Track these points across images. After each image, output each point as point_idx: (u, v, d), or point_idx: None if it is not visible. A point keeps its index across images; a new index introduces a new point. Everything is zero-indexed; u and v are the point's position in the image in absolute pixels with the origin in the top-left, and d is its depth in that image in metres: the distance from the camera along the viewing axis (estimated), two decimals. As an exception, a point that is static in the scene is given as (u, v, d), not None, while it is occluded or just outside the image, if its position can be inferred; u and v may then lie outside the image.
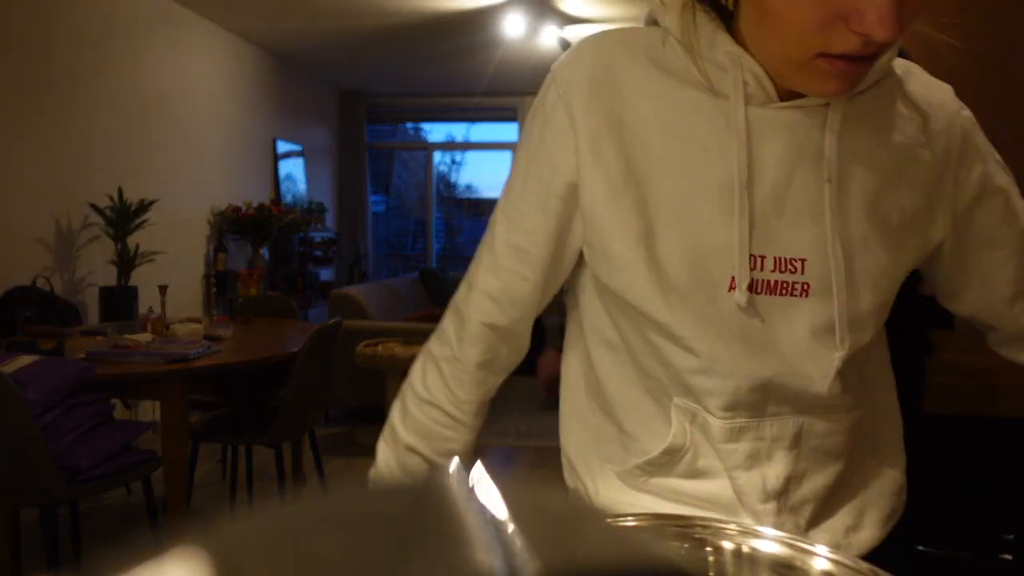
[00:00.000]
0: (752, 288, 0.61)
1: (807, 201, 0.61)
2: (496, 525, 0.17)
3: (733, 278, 0.61)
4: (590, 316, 0.72)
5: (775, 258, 0.61)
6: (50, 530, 2.07)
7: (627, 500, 0.70)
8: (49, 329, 2.43)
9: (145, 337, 2.46)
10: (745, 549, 0.46)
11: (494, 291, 0.70)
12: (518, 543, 0.17)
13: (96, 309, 3.70)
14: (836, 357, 0.62)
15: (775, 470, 0.65)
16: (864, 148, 0.62)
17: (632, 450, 0.70)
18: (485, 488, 0.20)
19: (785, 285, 0.62)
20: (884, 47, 0.53)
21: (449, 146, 8.31)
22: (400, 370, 3.91)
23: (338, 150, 7.14)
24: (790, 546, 0.45)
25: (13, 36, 3.30)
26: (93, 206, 3.69)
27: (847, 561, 0.43)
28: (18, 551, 2.23)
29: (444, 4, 4.46)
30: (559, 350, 1.59)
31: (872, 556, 0.70)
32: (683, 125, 0.62)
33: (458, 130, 8.19)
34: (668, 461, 0.67)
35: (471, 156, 8.62)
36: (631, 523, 0.48)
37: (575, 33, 4.93)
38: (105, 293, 3.64)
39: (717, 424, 0.64)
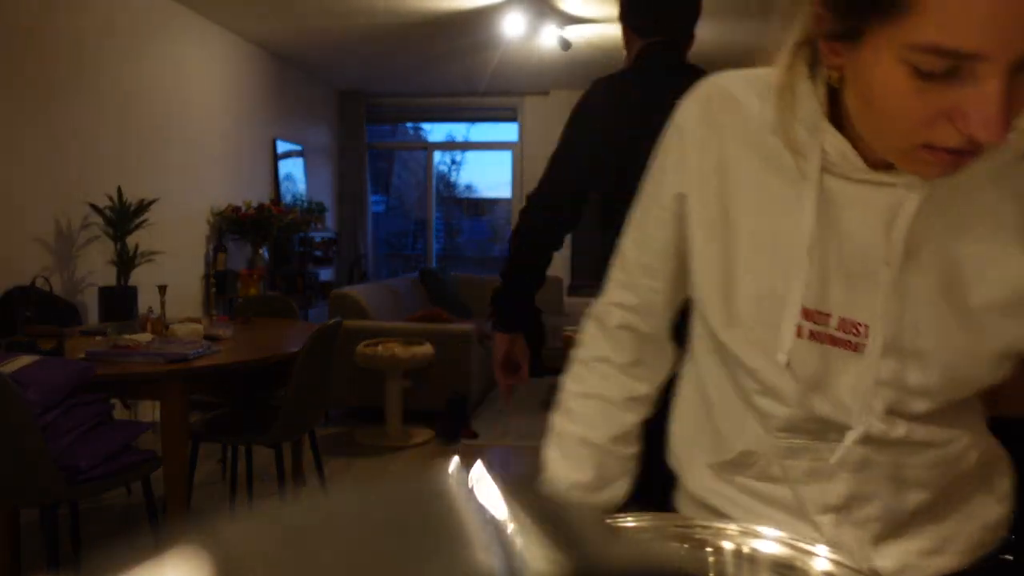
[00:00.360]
0: (816, 337, 0.65)
1: (876, 273, 0.62)
2: (496, 525, 0.17)
3: (799, 327, 0.64)
4: (697, 321, 0.79)
5: (840, 318, 0.64)
6: (50, 530, 2.07)
7: (713, 488, 0.76)
8: (49, 329, 2.43)
9: (145, 337, 2.46)
10: (745, 550, 0.46)
11: (631, 304, 0.79)
12: (518, 543, 0.17)
13: (96, 309, 3.70)
14: (848, 435, 0.63)
15: (836, 488, 0.68)
16: (960, 227, 0.61)
17: (719, 447, 0.75)
18: (485, 488, 0.20)
19: (847, 342, 0.64)
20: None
21: (449, 146, 8.31)
22: (400, 370, 3.91)
23: (338, 150, 7.14)
24: (790, 546, 0.45)
25: (12, 35, 3.30)
26: (92, 206, 3.69)
27: (847, 562, 0.43)
28: (18, 551, 2.23)
29: (444, 4, 4.46)
30: (507, 332, 1.64)
31: None
32: (772, 179, 0.65)
33: (458, 130, 8.19)
34: (745, 462, 0.72)
35: (471, 156, 8.62)
36: (631, 523, 0.48)
37: (575, 33, 4.93)
38: (105, 293, 3.64)
39: (778, 441, 0.69)
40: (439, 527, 0.17)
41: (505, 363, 1.67)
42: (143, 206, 3.83)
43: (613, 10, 5.13)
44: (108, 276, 3.83)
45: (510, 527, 0.17)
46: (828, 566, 0.43)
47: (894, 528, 0.69)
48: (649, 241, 0.76)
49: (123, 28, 4.01)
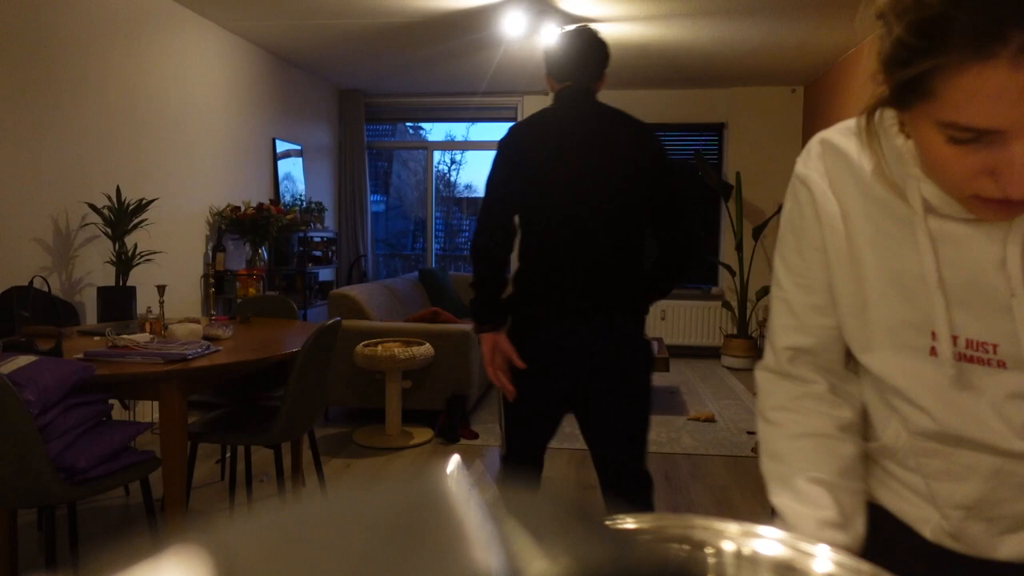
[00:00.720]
0: (953, 356, 0.70)
1: (996, 300, 0.66)
2: (496, 525, 0.17)
3: (933, 347, 0.70)
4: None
5: (967, 340, 0.69)
6: (48, 530, 2.07)
7: (876, 472, 0.83)
8: (47, 329, 2.43)
9: (144, 337, 2.46)
10: (746, 550, 0.45)
11: (807, 345, 0.82)
12: (518, 543, 0.17)
13: (94, 309, 3.69)
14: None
15: (967, 490, 0.73)
16: None
17: (870, 436, 0.82)
18: (485, 488, 0.20)
19: (980, 359, 0.69)
20: None
21: (449, 146, 8.31)
22: (400, 370, 3.91)
23: (338, 150, 7.14)
24: (791, 547, 0.45)
25: (11, 34, 3.30)
26: (91, 205, 3.69)
27: (848, 561, 0.43)
28: (15, 551, 2.23)
29: (444, 4, 4.46)
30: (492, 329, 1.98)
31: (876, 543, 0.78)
32: (885, 220, 0.72)
33: (458, 130, 8.19)
34: (886, 452, 0.80)
35: (471, 156, 8.62)
36: (631, 524, 0.48)
37: (574, 33, 4.93)
38: (103, 293, 3.64)
39: (916, 442, 0.75)
40: (439, 527, 0.17)
41: (493, 358, 1.97)
42: (142, 206, 3.82)
43: (613, 10, 5.12)
44: (107, 276, 3.83)
45: (510, 527, 0.17)
46: (828, 566, 0.43)
47: (1022, 523, 0.73)
48: (812, 284, 0.80)
49: (123, 27, 4.01)
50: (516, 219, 1.99)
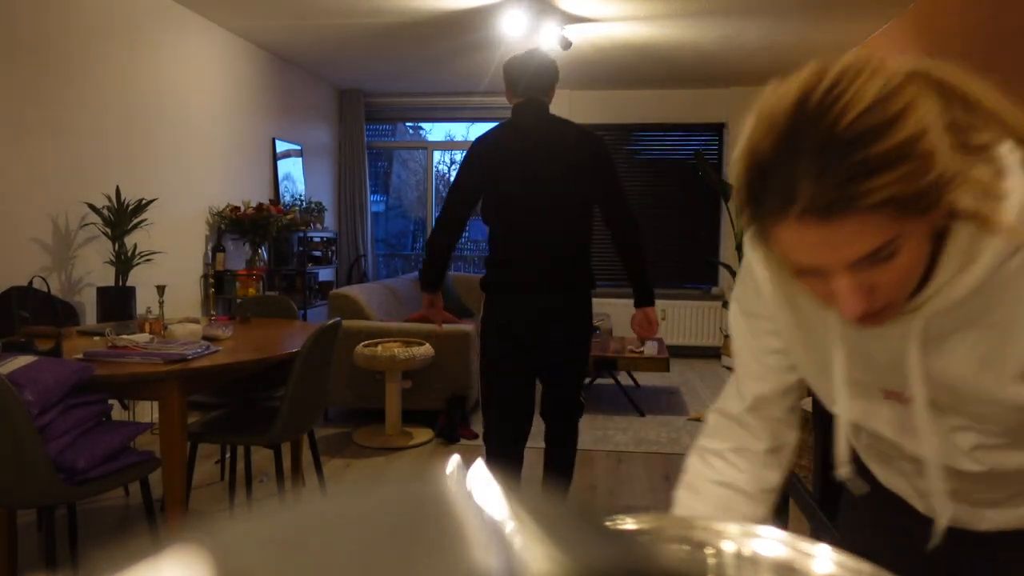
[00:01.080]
0: (906, 401, 0.78)
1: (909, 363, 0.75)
2: (496, 525, 0.17)
3: (886, 393, 0.80)
4: None
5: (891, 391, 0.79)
6: (48, 530, 2.07)
7: (874, 461, 0.94)
8: (47, 329, 2.43)
9: (143, 337, 2.46)
10: (746, 551, 0.45)
11: (766, 392, 0.91)
12: (518, 543, 0.17)
13: (94, 309, 3.69)
14: (932, 470, 0.78)
15: (941, 485, 0.80)
16: (965, 327, 0.71)
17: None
18: (485, 488, 0.20)
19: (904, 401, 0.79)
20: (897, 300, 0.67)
21: (449, 146, 8.30)
22: (400, 370, 3.91)
23: (337, 150, 7.14)
24: (791, 547, 0.45)
25: (10, 33, 3.30)
26: (90, 205, 3.69)
27: (848, 562, 0.43)
28: (15, 551, 2.23)
29: (444, 4, 4.46)
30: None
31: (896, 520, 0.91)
32: (816, 316, 0.80)
33: (458, 130, 8.19)
34: (870, 449, 0.91)
35: (470, 156, 8.61)
36: (631, 524, 0.48)
37: (575, 32, 4.93)
38: (103, 293, 3.63)
39: (888, 449, 0.86)
40: (439, 527, 0.17)
41: (427, 308, 2.68)
42: (141, 206, 3.82)
43: (613, 10, 5.12)
44: (106, 276, 3.83)
45: (510, 527, 0.17)
46: (828, 566, 0.43)
47: (1001, 500, 0.83)
48: (768, 342, 0.89)
49: (122, 27, 4.01)
50: (467, 219, 2.52)
